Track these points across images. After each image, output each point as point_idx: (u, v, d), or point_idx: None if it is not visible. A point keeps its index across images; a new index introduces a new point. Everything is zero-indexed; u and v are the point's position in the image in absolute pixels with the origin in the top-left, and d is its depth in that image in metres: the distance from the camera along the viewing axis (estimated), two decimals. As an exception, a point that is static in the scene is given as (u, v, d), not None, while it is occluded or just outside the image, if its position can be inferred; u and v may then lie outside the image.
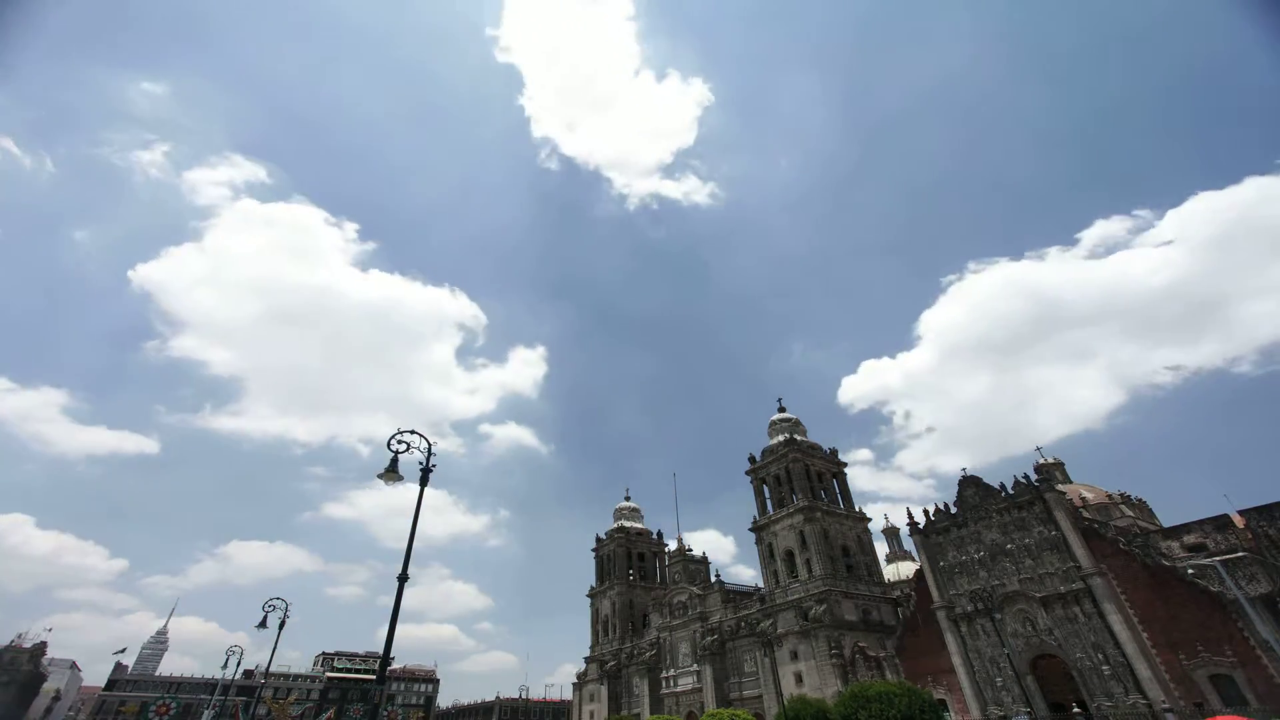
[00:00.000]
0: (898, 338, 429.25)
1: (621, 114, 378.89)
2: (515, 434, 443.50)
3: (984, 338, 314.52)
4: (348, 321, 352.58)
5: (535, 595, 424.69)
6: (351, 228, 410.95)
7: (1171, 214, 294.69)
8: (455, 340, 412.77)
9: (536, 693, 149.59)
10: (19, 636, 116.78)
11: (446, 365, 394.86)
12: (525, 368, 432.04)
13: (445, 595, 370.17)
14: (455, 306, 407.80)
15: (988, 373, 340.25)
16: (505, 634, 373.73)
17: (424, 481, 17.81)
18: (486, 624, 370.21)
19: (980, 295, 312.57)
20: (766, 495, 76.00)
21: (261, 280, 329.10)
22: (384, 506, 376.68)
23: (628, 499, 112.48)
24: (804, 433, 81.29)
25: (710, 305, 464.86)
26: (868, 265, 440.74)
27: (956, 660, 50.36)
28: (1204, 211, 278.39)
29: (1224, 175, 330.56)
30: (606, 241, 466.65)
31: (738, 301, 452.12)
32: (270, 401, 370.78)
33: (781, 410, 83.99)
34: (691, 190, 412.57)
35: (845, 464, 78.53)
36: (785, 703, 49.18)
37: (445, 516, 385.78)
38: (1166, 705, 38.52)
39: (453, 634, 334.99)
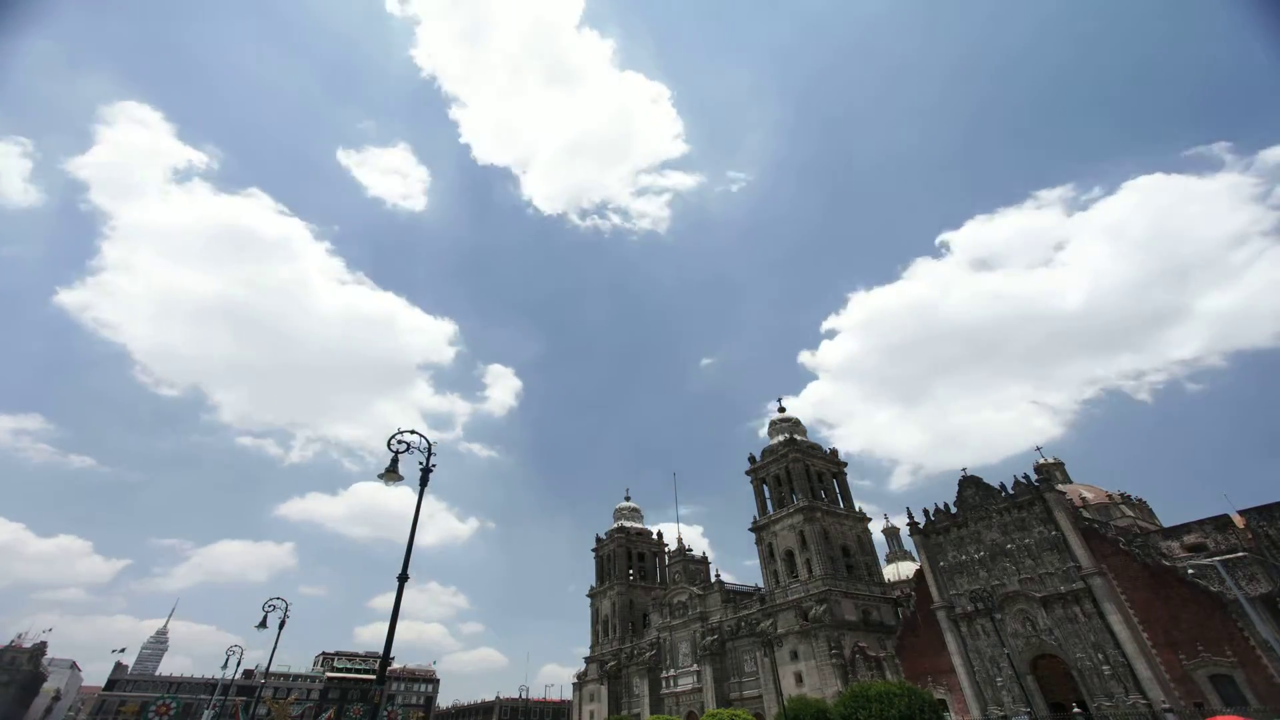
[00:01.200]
0: (799, 373, 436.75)
1: (573, 123, 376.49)
2: (490, 448, 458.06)
3: (894, 358, 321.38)
4: (313, 329, 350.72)
5: (514, 599, 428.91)
6: (303, 224, 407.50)
7: (1076, 216, 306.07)
8: (430, 356, 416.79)
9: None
10: (19, 636, 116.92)
11: (419, 380, 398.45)
12: (498, 383, 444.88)
13: (429, 597, 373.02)
14: (426, 323, 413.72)
15: (904, 391, 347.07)
16: (488, 635, 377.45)
17: (424, 481, 17.80)
18: (468, 625, 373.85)
19: (874, 316, 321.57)
20: (766, 495, 75.99)
21: (212, 283, 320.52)
22: (359, 508, 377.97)
23: (628, 499, 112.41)
24: (804, 433, 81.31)
25: (653, 324, 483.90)
26: (780, 284, 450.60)
27: (956, 660, 50.37)
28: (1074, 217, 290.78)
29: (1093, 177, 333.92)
30: (558, 260, 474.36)
31: (677, 319, 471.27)
32: (236, 408, 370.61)
33: (781, 410, 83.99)
34: (648, 210, 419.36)
35: (845, 464, 78.56)
36: (785, 703, 49.21)
37: (429, 520, 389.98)
38: (1166, 705, 38.52)
39: (437, 633, 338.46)
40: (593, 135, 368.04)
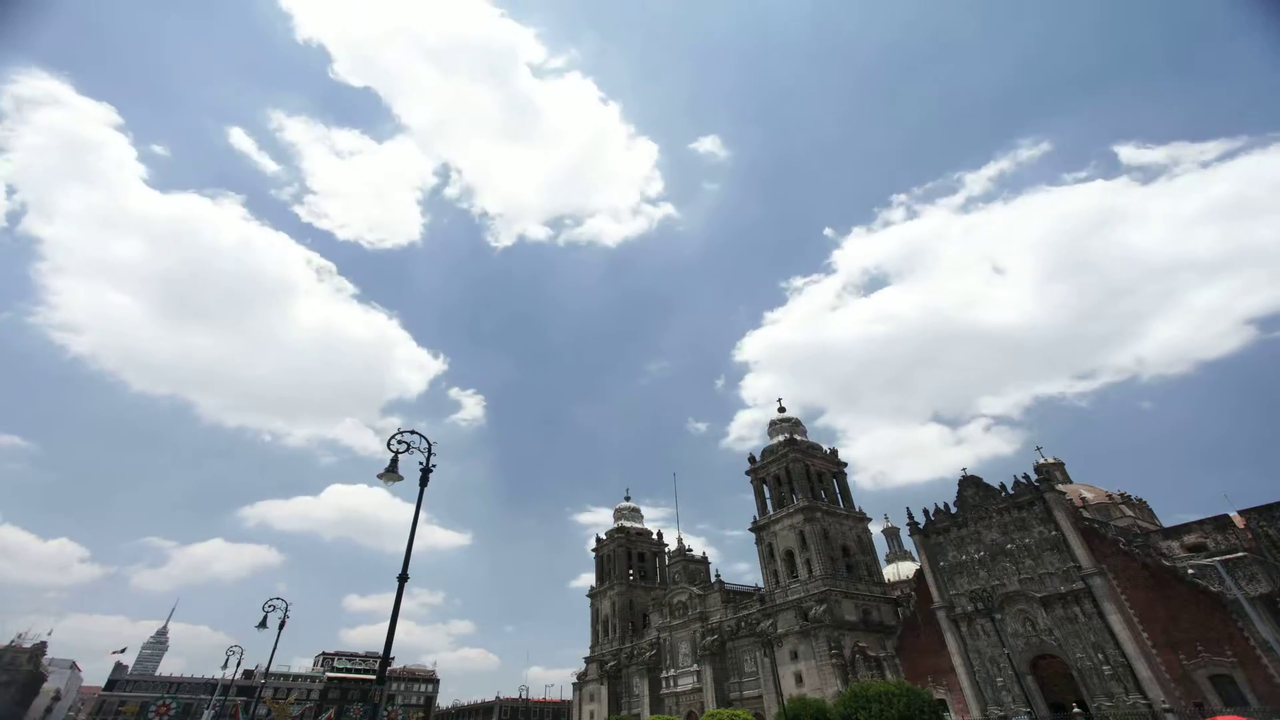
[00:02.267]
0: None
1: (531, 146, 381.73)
2: (459, 462, 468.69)
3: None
4: (294, 337, 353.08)
5: (491, 601, 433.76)
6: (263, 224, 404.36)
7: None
8: (412, 385, 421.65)
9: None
10: (19, 636, 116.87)
11: (394, 395, 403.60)
12: (465, 402, 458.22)
13: (414, 600, 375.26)
14: (419, 355, 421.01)
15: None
16: (471, 636, 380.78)
17: (424, 481, 17.80)
18: (450, 625, 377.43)
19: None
20: (766, 495, 75.99)
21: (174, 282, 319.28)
22: (331, 511, 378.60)
23: (627, 499, 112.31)
24: (804, 433, 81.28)
25: (601, 345, 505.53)
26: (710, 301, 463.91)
27: (956, 660, 50.36)
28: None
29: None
30: (519, 285, 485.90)
31: (622, 339, 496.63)
32: (210, 408, 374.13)
33: (781, 410, 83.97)
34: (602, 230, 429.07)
35: (845, 464, 78.55)
36: (785, 703, 49.20)
37: (401, 516, 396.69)
38: (1166, 705, 38.52)
39: (421, 634, 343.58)
40: (561, 167, 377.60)
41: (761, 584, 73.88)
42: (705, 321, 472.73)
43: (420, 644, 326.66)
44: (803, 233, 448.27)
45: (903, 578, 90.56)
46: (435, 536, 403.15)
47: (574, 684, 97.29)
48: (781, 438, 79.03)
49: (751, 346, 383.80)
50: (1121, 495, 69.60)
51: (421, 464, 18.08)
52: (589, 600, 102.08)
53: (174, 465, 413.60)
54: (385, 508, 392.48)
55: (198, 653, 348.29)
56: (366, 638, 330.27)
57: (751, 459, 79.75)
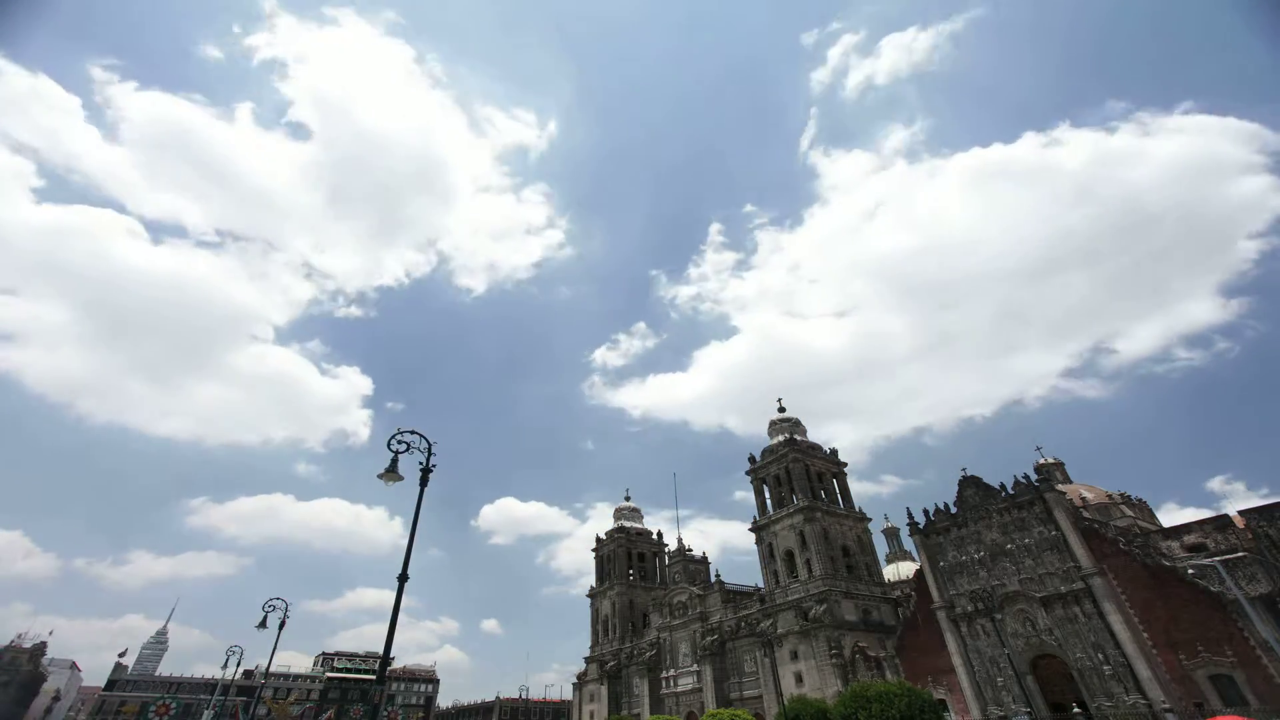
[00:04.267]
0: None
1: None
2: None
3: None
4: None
5: (464, 604, 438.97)
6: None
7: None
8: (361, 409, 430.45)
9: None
10: (19, 636, 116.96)
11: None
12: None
13: (384, 600, 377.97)
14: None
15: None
16: (448, 637, 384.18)
17: (424, 481, 17.79)
18: (428, 624, 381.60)
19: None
20: (766, 495, 75.98)
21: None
22: (310, 513, 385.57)
23: (628, 499, 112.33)
24: (804, 433, 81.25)
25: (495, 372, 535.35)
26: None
27: (956, 660, 50.34)
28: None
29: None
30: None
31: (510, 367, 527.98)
32: (176, 412, 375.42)
33: (781, 410, 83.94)
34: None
35: (845, 464, 78.53)
36: (785, 703, 49.17)
37: (386, 528, 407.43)
38: (1166, 705, 38.51)
39: (401, 636, 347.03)
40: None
41: (760, 583, 73.93)
42: (574, 355, 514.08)
43: (397, 643, 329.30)
44: (634, 282, 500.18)
45: (903, 578, 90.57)
46: (383, 541, 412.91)
47: (574, 684, 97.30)
48: (781, 438, 79.02)
49: (637, 395, 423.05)
50: (1121, 495, 69.58)
51: (421, 464, 18.10)
52: (589, 600, 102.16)
53: (119, 476, 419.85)
54: (341, 517, 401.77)
55: (182, 652, 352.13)
56: (342, 642, 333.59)
57: (751, 459, 79.70)
